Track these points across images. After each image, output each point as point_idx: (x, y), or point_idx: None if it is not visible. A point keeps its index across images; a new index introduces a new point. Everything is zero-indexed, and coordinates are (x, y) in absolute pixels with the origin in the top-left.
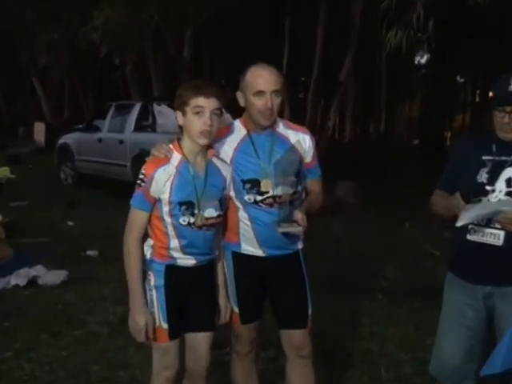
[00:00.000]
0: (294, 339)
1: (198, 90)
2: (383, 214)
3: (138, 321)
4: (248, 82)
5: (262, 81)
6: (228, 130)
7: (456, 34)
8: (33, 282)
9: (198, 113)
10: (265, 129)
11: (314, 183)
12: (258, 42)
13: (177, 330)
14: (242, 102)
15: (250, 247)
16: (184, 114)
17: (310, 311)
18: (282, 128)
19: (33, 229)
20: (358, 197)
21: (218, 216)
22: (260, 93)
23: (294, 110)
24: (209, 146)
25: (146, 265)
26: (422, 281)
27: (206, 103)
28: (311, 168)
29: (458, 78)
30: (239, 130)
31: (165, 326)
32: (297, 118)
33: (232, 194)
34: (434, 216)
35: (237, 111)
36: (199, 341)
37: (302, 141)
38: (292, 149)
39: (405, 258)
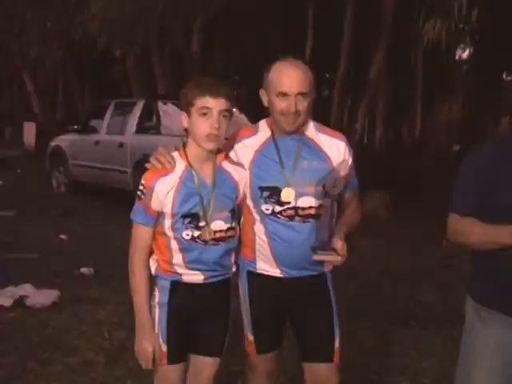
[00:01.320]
0: (318, 374)
1: (204, 88)
2: (418, 229)
3: (145, 346)
4: (271, 80)
5: (286, 81)
6: (252, 131)
7: (502, 26)
8: (19, 302)
9: (204, 114)
10: (291, 133)
11: (349, 196)
12: (277, 33)
13: (178, 354)
14: (265, 102)
15: (267, 266)
16: (189, 115)
17: (337, 343)
18: (312, 132)
19: (20, 243)
20: (390, 209)
21: (229, 229)
22: (283, 94)
23: (317, 110)
24: (218, 151)
25: (153, 280)
26: (462, 306)
27: (213, 104)
28: (347, 181)
29: (505, 76)
30: (264, 131)
31: (164, 347)
32: (320, 119)
33: (249, 203)
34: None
35: (253, 111)
36: (204, 365)
37: (336, 149)
38: (321, 155)
39: (442, 279)
